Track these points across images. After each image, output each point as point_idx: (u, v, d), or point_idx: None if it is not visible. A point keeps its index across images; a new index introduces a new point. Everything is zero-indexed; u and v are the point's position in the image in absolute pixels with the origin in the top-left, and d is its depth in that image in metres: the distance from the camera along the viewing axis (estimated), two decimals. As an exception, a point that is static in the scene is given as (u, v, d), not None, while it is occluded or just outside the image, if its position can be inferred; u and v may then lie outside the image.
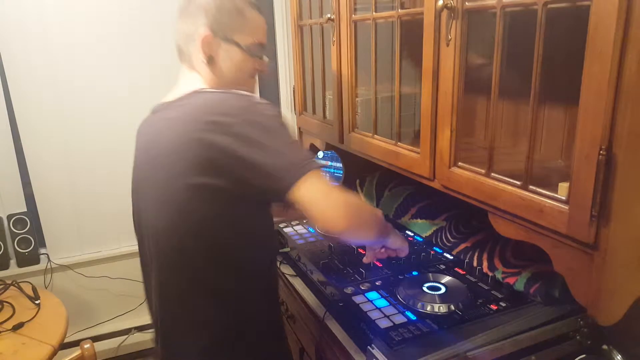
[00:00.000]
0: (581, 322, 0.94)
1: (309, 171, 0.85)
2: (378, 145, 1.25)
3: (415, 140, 1.13)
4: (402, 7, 1.11)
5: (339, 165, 1.99)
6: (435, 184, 1.07)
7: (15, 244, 2.22)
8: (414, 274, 1.17)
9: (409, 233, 1.41)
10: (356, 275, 1.17)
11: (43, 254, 2.31)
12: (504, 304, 1.01)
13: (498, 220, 0.93)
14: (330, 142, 1.52)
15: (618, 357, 0.94)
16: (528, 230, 0.86)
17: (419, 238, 1.38)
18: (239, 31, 1.00)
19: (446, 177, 1.01)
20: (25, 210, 2.25)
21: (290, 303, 1.31)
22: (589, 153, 0.70)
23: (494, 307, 1.00)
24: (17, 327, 1.69)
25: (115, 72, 2.20)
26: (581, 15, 0.68)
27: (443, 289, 1.07)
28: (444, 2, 0.90)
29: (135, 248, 1.09)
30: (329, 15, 1.35)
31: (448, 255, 1.27)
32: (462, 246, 1.24)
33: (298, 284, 1.26)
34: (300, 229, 1.49)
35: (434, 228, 1.34)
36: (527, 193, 0.83)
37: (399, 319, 0.98)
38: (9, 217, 2.21)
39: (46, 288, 2.27)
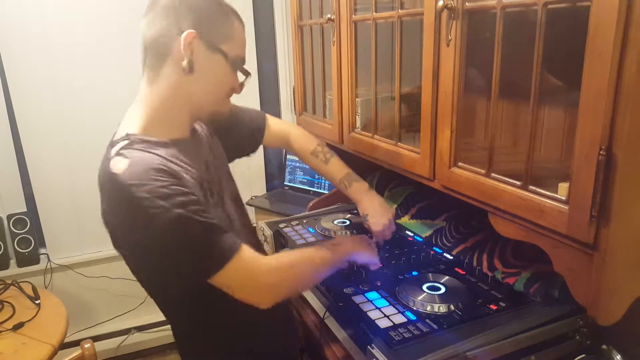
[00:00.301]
0: (581, 322, 0.94)
1: (222, 268, 0.80)
2: (378, 146, 1.25)
3: (416, 140, 1.13)
4: (402, 8, 1.11)
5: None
6: (435, 184, 1.07)
7: (15, 244, 2.22)
8: (413, 274, 1.17)
9: (409, 233, 1.41)
10: (356, 275, 1.17)
11: (43, 254, 2.32)
12: (503, 304, 1.01)
13: (498, 221, 0.93)
14: (330, 143, 1.52)
15: (617, 357, 0.94)
16: (528, 231, 0.86)
17: (418, 238, 1.38)
18: (226, 40, 0.88)
19: (446, 177, 1.01)
20: (25, 210, 2.25)
21: (290, 303, 1.31)
22: (589, 153, 0.70)
23: (493, 307, 1.00)
24: (17, 327, 1.70)
25: (115, 72, 2.20)
26: (581, 15, 0.69)
27: (443, 289, 1.07)
28: (444, 2, 0.90)
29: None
30: (329, 16, 1.35)
31: (448, 256, 1.27)
32: (462, 246, 1.24)
33: (298, 284, 1.26)
34: (300, 229, 1.49)
35: (434, 228, 1.35)
36: (527, 193, 0.83)
37: (399, 319, 0.98)
38: (9, 217, 2.21)
39: (46, 288, 2.27)
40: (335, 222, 1.48)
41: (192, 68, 0.85)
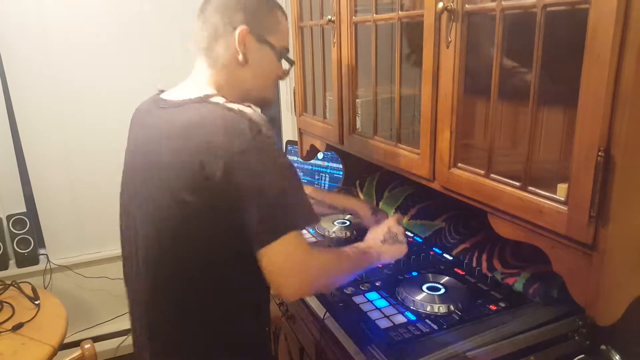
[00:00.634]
0: (580, 322, 0.94)
1: (286, 233, 0.82)
2: (378, 147, 1.25)
3: (415, 141, 1.13)
4: (403, 9, 1.12)
5: (339, 166, 1.99)
6: (435, 185, 1.07)
7: (14, 244, 2.22)
8: (413, 275, 1.18)
9: (409, 234, 1.42)
10: (356, 276, 1.18)
11: (42, 254, 2.31)
12: (503, 305, 1.01)
13: (497, 221, 0.93)
14: (331, 143, 1.52)
15: (616, 357, 0.94)
16: (527, 231, 0.86)
17: (418, 239, 1.39)
18: (272, 32, 0.97)
19: (446, 178, 1.02)
20: (25, 210, 2.25)
21: (290, 303, 1.32)
22: (588, 154, 0.70)
23: (493, 307, 1.01)
24: (16, 328, 1.69)
25: (115, 72, 2.21)
26: (580, 18, 0.69)
27: (442, 290, 1.07)
28: (444, 4, 0.91)
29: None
30: (329, 17, 1.35)
31: (447, 256, 1.27)
32: (462, 247, 1.24)
33: (298, 284, 1.26)
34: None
35: (434, 229, 1.35)
36: (526, 194, 0.83)
37: (399, 319, 0.99)
38: (9, 217, 2.21)
39: (45, 288, 2.27)
40: (335, 222, 1.49)
41: (246, 60, 0.95)
